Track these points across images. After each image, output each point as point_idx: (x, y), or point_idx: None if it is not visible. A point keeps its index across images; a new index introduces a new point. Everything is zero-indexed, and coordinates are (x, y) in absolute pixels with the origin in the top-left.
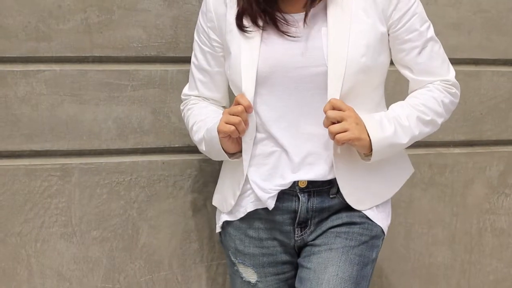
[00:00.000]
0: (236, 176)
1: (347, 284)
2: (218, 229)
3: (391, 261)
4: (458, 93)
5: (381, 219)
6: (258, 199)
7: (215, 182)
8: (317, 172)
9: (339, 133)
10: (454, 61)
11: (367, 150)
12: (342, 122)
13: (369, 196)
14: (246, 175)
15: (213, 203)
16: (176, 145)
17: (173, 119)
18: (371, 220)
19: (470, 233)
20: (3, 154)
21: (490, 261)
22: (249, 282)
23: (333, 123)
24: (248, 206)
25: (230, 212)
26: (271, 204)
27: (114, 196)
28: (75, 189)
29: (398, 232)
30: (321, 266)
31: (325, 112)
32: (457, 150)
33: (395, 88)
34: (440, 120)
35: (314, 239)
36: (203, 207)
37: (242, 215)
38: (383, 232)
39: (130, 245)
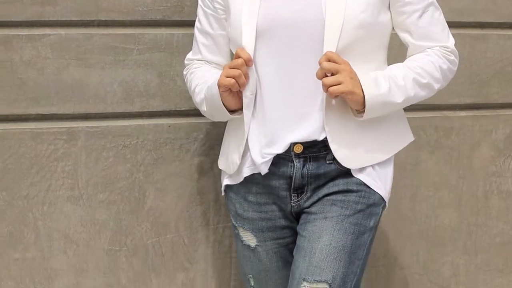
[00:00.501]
0: (239, 134)
1: (340, 253)
2: (222, 192)
3: (397, 224)
4: (457, 61)
5: (380, 186)
6: (254, 163)
7: (221, 145)
8: (310, 130)
9: (333, 85)
10: (460, 25)
11: (360, 106)
12: (337, 75)
13: (359, 154)
14: (247, 134)
15: (219, 167)
16: (182, 108)
17: (179, 82)
18: (369, 188)
19: (477, 195)
20: (9, 117)
21: (496, 223)
22: (248, 246)
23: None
24: (245, 171)
25: (231, 176)
26: (264, 169)
27: (121, 159)
28: (82, 152)
29: (404, 195)
30: (315, 235)
31: (320, 64)
32: (463, 113)
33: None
34: (436, 86)
35: (310, 206)
36: (210, 170)
37: (240, 179)
38: (383, 199)
39: (136, 208)
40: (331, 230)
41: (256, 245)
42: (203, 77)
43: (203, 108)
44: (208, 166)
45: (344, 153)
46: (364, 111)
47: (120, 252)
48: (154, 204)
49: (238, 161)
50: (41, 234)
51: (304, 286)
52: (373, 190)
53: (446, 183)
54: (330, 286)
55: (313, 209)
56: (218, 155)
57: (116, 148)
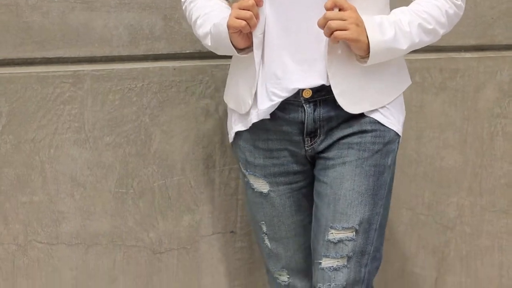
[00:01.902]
0: (248, 75)
1: (364, 197)
2: (230, 139)
3: (402, 165)
4: (463, 5)
5: (393, 122)
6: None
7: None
8: (315, 75)
9: (338, 30)
10: None
11: (364, 52)
12: (343, 21)
13: (361, 99)
14: (258, 75)
15: (229, 106)
16: (187, 51)
17: (184, 25)
18: (383, 125)
19: (481, 137)
20: (15, 61)
21: (501, 164)
22: (261, 192)
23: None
24: (253, 117)
25: (241, 120)
26: (266, 113)
27: (126, 102)
28: (87, 95)
29: (410, 136)
30: (337, 181)
31: (326, 8)
32: (468, 55)
33: None
34: (441, 31)
35: (326, 150)
36: (215, 112)
37: (250, 124)
38: (397, 134)
39: (143, 151)
40: (352, 175)
41: (269, 190)
42: (204, 7)
43: (207, 43)
44: (214, 109)
45: (347, 98)
46: (368, 56)
47: (127, 194)
48: (160, 147)
49: (250, 101)
50: (48, 178)
51: (332, 233)
52: (387, 127)
53: (451, 125)
54: (356, 231)
55: (330, 154)
56: (223, 98)
57: (122, 91)
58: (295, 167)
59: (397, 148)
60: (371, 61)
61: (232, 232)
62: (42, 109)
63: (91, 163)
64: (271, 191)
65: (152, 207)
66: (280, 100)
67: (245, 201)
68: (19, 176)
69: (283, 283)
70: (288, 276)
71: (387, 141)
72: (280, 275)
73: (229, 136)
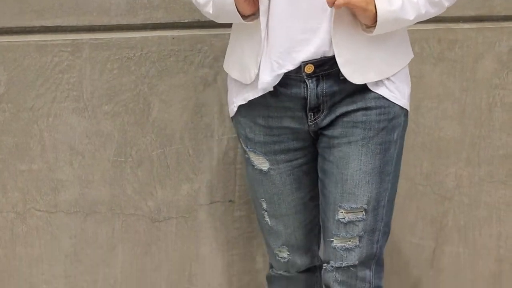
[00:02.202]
0: (254, 42)
1: (371, 176)
2: (231, 114)
3: None
4: None
5: (398, 96)
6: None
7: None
8: (318, 44)
9: None
10: None
11: (371, 22)
12: None
13: (367, 69)
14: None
15: (232, 76)
16: (186, 20)
17: None
18: (388, 100)
19: (480, 107)
20: (13, 30)
21: (499, 135)
22: (260, 170)
23: None
24: (256, 90)
25: (242, 94)
26: (266, 85)
27: (125, 71)
28: (86, 64)
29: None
30: (343, 161)
31: None
32: (466, 26)
33: None
34: (447, 3)
35: (329, 127)
36: (214, 81)
37: (251, 97)
38: (403, 108)
39: (141, 120)
40: (358, 155)
41: (269, 168)
42: None
43: (208, 10)
44: (212, 78)
45: (351, 67)
46: (374, 26)
47: (126, 163)
48: (158, 116)
49: (255, 70)
50: (47, 146)
51: (342, 213)
52: (392, 102)
53: (450, 95)
54: (366, 210)
55: (335, 132)
56: (222, 67)
57: (120, 60)
58: (296, 144)
59: (404, 122)
60: (377, 31)
61: (230, 201)
62: (41, 78)
63: (89, 131)
64: (271, 169)
65: (150, 175)
66: (284, 71)
67: (246, 176)
68: (17, 144)
69: (282, 260)
70: (288, 253)
71: (392, 117)
72: (280, 252)
73: (230, 110)
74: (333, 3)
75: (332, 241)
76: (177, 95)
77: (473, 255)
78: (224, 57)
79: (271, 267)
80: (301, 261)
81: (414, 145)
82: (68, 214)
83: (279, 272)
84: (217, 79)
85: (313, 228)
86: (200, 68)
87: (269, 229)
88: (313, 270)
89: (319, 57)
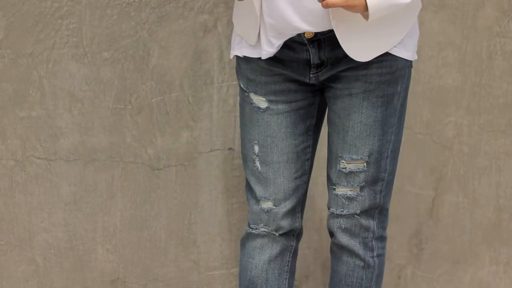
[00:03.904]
0: (251, 16)
1: (373, 128)
2: (231, 56)
3: None
4: None
5: (402, 51)
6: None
7: (225, 3)
8: (318, 23)
9: None
10: None
11: (364, 11)
12: None
13: (370, 45)
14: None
15: (238, 32)
16: None
17: None
18: (390, 54)
19: (480, 56)
20: None
21: (500, 84)
22: (258, 108)
23: None
24: (257, 52)
25: (246, 46)
26: (266, 55)
27: (125, 17)
28: (86, 10)
29: None
30: (345, 112)
31: None
32: None
33: None
34: None
35: (332, 80)
36: (214, 28)
37: (255, 56)
38: (407, 60)
39: (141, 66)
40: (359, 107)
41: (267, 107)
42: None
43: None
44: (212, 24)
45: (354, 45)
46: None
47: (125, 110)
48: (158, 63)
49: (255, 38)
50: (46, 93)
51: (343, 163)
52: (395, 55)
53: (450, 43)
54: (367, 162)
55: (338, 85)
56: (222, 13)
57: (120, 6)
58: (297, 87)
59: (409, 73)
60: (372, 18)
61: (230, 149)
62: (40, 24)
63: (89, 78)
64: (269, 108)
65: (150, 123)
66: (283, 41)
67: (240, 121)
68: (17, 91)
69: (266, 209)
70: (273, 206)
71: (394, 69)
72: (264, 203)
73: (231, 52)
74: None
75: (334, 188)
76: (176, 42)
77: (472, 205)
78: (223, 3)
79: (248, 226)
80: (283, 218)
81: (414, 94)
82: (68, 161)
83: (256, 230)
84: (217, 25)
85: (301, 186)
86: (200, 14)
87: (258, 176)
88: (290, 236)
89: (318, 30)
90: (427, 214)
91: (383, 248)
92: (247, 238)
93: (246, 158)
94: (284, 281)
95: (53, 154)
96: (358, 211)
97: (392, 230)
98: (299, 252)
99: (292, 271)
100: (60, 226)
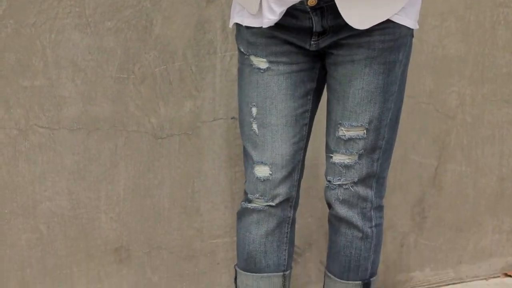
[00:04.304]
0: None
1: (374, 95)
2: (230, 25)
3: None
4: None
5: (404, 19)
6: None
7: None
8: None
9: None
10: None
11: None
12: None
13: (370, 13)
14: None
15: (238, 1)
16: None
17: None
18: (393, 22)
19: (484, 25)
20: None
21: (503, 54)
22: (259, 68)
23: None
24: (258, 21)
25: (246, 16)
26: (267, 24)
27: None
28: None
29: None
30: (346, 78)
31: None
32: None
33: None
34: None
35: (333, 47)
36: None
37: (256, 25)
38: (409, 28)
39: (144, 36)
40: (361, 74)
41: (268, 67)
42: None
43: None
44: None
45: (353, 13)
46: None
47: (128, 80)
48: (161, 32)
49: (256, 7)
50: (49, 62)
51: (342, 130)
52: (397, 23)
53: (453, 13)
54: (367, 129)
55: (340, 51)
56: None
57: None
58: (297, 49)
59: (410, 41)
60: None
61: (233, 118)
62: None
63: (92, 48)
64: (269, 68)
65: (153, 92)
66: (284, 8)
67: (238, 84)
68: (20, 60)
69: (262, 178)
70: (270, 173)
71: (397, 37)
72: (261, 169)
73: (230, 21)
74: None
75: (332, 157)
76: (179, 11)
77: (475, 174)
78: None
79: (245, 199)
80: (282, 185)
81: (417, 63)
82: (71, 131)
83: (252, 203)
84: None
85: (298, 152)
86: None
87: (255, 140)
88: (287, 207)
89: None
90: (430, 183)
91: (381, 217)
92: (243, 213)
93: (243, 124)
94: (283, 252)
95: (57, 123)
96: (356, 179)
97: (395, 198)
98: (302, 221)
99: (291, 240)
100: (63, 195)
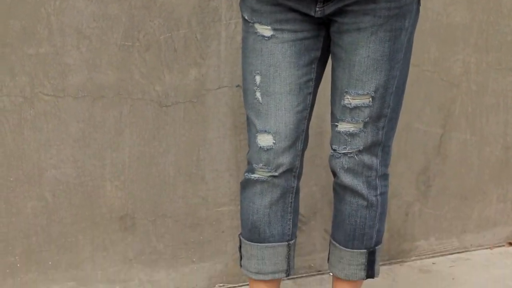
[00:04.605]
0: None
1: (379, 63)
2: None
3: None
4: None
5: None
6: None
7: None
8: None
9: None
10: None
11: None
12: None
13: None
14: None
15: None
16: None
17: None
18: None
19: None
20: None
21: (508, 22)
22: (263, 36)
23: None
24: None
25: None
26: None
27: None
28: None
29: None
30: (352, 46)
31: None
32: None
33: None
34: None
35: (338, 14)
36: None
37: None
38: None
39: (149, 3)
40: (367, 42)
41: (272, 35)
42: None
43: None
44: None
45: None
46: None
47: (133, 47)
48: (166, 0)
49: None
50: (54, 30)
51: (348, 98)
52: None
53: None
54: (373, 98)
55: (345, 19)
56: None
57: None
58: (302, 17)
59: (417, 9)
60: None
61: (238, 86)
62: None
63: (96, 15)
64: (274, 36)
65: (158, 60)
66: None
67: (242, 53)
68: (25, 28)
69: (266, 148)
70: (273, 142)
71: (403, 4)
72: (264, 138)
73: None
74: None
75: (337, 125)
76: None
77: (480, 142)
78: None
79: (248, 169)
80: (286, 155)
81: (422, 31)
82: (76, 98)
83: (255, 173)
84: None
85: (302, 121)
86: None
87: (259, 109)
88: (290, 177)
89: None
90: (435, 152)
91: (386, 186)
92: (246, 183)
93: (246, 92)
94: (287, 222)
95: (61, 91)
96: (361, 148)
97: (400, 167)
98: (306, 190)
99: (295, 210)
100: (68, 163)
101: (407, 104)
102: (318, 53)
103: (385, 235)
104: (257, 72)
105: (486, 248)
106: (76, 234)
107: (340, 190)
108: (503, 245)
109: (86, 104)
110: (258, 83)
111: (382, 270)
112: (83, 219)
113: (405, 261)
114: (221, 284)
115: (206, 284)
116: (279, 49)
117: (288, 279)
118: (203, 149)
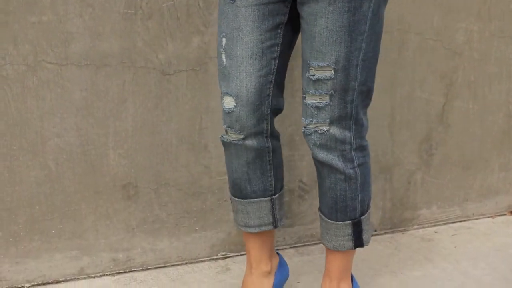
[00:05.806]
0: None
1: (338, 35)
2: None
3: None
4: None
5: None
6: None
7: None
8: None
9: None
10: None
11: None
12: None
13: None
14: None
15: None
16: None
17: None
18: None
19: None
20: None
21: None
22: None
23: None
24: None
25: None
26: None
27: None
28: None
29: None
30: (311, 17)
31: None
32: None
33: None
34: None
35: None
36: None
37: None
38: None
39: None
40: (325, 12)
41: None
42: None
43: None
44: None
45: None
46: None
47: (136, 15)
48: None
49: None
50: None
51: (311, 70)
52: None
53: None
54: (334, 70)
55: None
56: None
57: None
58: None
59: None
60: None
61: None
62: None
63: None
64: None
65: (161, 28)
66: None
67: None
68: None
69: (228, 110)
70: (234, 104)
71: None
72: (227, 101)
73: None
74: None
75: (305, 97)
76: None
77: (482, 111)
78: None
79: (223, 131)
80: (248, 118)
81: (424, 0)
82: (79, 66)
83: (227, 134)
84: None
85: (266, 85)
86: None
87: (223, 71)
88: (262, 138)
89: None
90: (438, 120)
91: (365, 156)
92: (223, 144)
93: (217, 55)
94: (268, 178)
95: (64, 59)
96: (327, 121)
97: (402, 136)
98: (309, 158)
99: (276, 165)
100: (72, 131)
101: (409, 73)
102: (285, 18)
103: (387, 204)
104: (223, 34)
105: (488, 217)
106: (79, 203)
107: (318, 165)
108: (505, 214)
109: (89, 73)
110: (223, 45)
111: (385, 238)
112: (86, 188)
113: (407, 230)
114: (223, 253)
115: (209, 252)
116: (242, 13)
117: (291, 247)
118: (206, 117)
